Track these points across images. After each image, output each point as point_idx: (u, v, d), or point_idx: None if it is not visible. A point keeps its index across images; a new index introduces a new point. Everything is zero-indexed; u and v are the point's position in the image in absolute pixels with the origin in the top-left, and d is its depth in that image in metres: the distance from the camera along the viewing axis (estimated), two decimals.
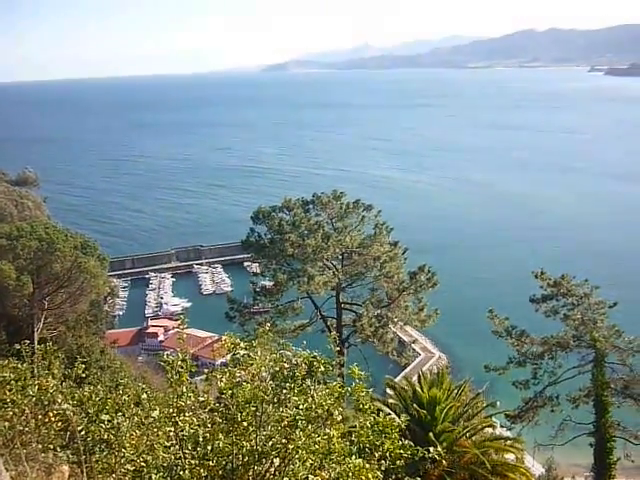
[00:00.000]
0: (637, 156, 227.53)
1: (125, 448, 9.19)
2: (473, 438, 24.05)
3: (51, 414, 9.69)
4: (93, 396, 9.81)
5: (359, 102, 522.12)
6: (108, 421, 9.37)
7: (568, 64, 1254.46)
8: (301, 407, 9.33)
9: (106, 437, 9.27)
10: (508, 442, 25.72)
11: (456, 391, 25.34)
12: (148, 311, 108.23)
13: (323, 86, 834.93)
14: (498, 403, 27.76)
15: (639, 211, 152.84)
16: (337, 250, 45.87)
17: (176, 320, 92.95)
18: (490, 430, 26.27)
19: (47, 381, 10.09)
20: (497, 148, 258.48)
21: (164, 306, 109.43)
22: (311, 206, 48.08)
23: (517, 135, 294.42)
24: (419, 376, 26.82)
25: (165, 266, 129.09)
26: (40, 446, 9.68)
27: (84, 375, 10.92)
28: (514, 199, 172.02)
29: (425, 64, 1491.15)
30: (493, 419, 27.18)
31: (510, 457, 25.15)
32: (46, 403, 9.80)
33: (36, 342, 35.02)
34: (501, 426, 38.93)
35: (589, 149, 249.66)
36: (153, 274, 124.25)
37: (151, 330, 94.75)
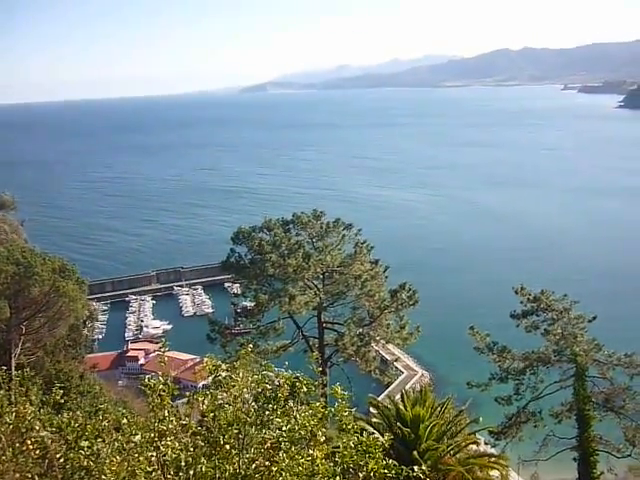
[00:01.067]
0: (612, 172, 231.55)
1: (105, 475, 9.02)
2: (457, 455, 24.03)
3: (29, 442, 9.51)
4: (72, 422, 9.63)
5: (338, 122, 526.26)
6: (88, 447, 9.21)
7: (543, 82, 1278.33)
8: (284, 428, 9.27)
9: (86, 464, 9.10)
10: (492, 459, 25.75)
11: (439, 409, 25.36)
12: (128, 334, 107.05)
13: (302, 107, 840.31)
14: (481, 419, 27.76)
15: (616, 226, 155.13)
16: (318, 269, 45.78)
17: (157, 343, 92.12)
18: (474, 447, 26.31)
19: (25, 408, 9.91)
20: (475, 165, 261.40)
21: (144, 329, 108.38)
22: (291, 226, 48.00)
23: (495, 153, 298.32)
24: (402, 394, 26.81)
25: (145, 288, 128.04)
26: (18, 475, 9.47)
27: (63, 401, 10.74)
28: (492, 215, 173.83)
29: (403, 83, 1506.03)
30: (477, 436, 27.20)
31: (495, 474, 25.15)
32: (24, 430, 9.62)
33: (13, 368, 34.44)
34: (485, 443, 38.92)
35: (565, 166, 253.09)
36: (133, 297, 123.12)
37: (131, 354, 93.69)
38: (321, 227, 47.70)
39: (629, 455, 34.33)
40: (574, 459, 33.38)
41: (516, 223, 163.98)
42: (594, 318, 35.83)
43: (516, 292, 36.82)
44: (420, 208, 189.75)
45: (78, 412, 10.17)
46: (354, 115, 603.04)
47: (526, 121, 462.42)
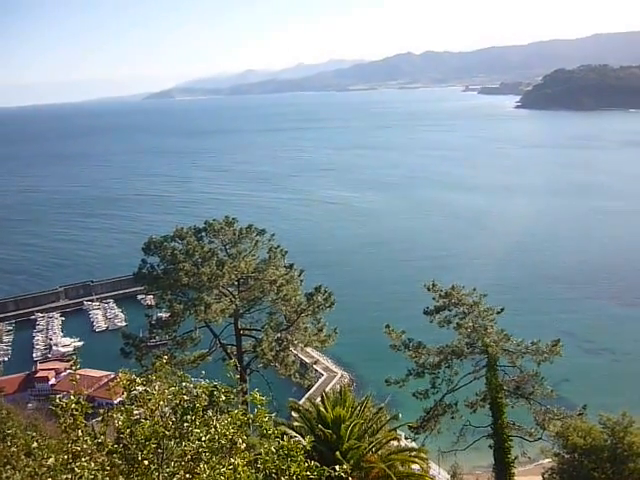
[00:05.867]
0: (505, 171, 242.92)
1: None
2: (379, 452, 24.40)
3: None
4: None
5: (239, 128, 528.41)
6: None
7: (445, 84, 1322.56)
8: (204, 439, 9.14)
9: None
10: (413, 453, 26.30)
11: (359, 408, 25.65)
12: (36, 354, 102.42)
13: (207, 113, 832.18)
14: (400, 415, 28.32)
15: (515, 222, 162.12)
16: (233, 276, 45.41)
17: (68, 361, 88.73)
18: (395, 443, 26.78)
19: None
20: (369, 167, 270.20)
21: (54, 347, 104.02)
22: (204, 234, 47.39)
23: (390, 155, 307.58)
24: (322, 396, 26.94)
25: (53, 305, 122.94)
26: None
27: None
28: (391, 215, 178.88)
29: (309, 88, 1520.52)
30: (397, 431, 27.71)
31: (416, 467, 25.71)
32: None
33: None
34: (406, 438, 39.79)
35: (454, 166, 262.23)
36: (40, 314, 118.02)
37: (41, 374, 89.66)
38: (234, 234, 47.33)
39: (540, 438, 36.03)
40: (490, 446, 34.64)
41: (417, 223, 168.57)
42: (502, 310, 37.37)
43: (428, 289, 37.88)
44: (316, 212, 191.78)
45: None
46: (258, 121, 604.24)
47: (429, 122, 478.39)
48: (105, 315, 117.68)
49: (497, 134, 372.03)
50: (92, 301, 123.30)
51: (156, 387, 9.82)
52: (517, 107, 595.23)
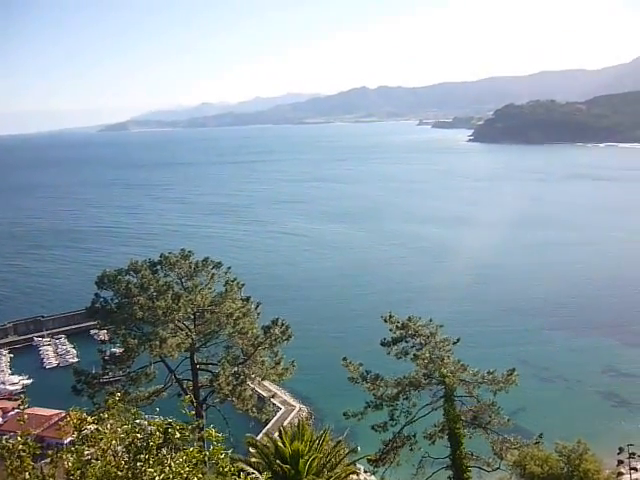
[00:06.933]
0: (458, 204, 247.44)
1: None
2: None
3: None
4: None
5: (196, 161, 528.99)
6: None
7: (399, 118, 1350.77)
8: (158, 479, 8.88)
9: None
10: None
11: (317, 442, 25.37)
12: None
13: (163, 145, 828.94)
14: (359, 448, 28.12)
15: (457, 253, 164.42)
16: (189, 310, 44.83)
17: (16, 400, 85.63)
18: (354, 477, 26.51)
19: None
20: (327, 198, 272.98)
21: (1, 386, 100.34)
22: (159, 267, 46.77)
23: (347, 187, 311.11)
24: (280, 431, 26.60)
25: (0, 342, 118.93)
26: None
27: None
28: (350, 248, 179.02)
29: (266, 121, 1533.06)
30: (357, 465, 27.48)
31: None
32: None
33: None
34: (365, 471, 39.49)
35: (406, 199, 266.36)
36: None
37: None
38: (190, 267, 46.88)
39: (498, 468, 36.19)
40: (449, 477, 34.60)
41: (378, 255, 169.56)
42: (458, 340, 37.71)
43: (385, 320, 38.01)
44: (276, 244, 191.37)
45: None
46: (215, 153, 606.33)
47: (384, 155, 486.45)
48: (56, 351, 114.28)
49: (451, 167, 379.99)
50: (43, 337, 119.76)
51: (108, 426, 9.54)
52: (469, 141, 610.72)
